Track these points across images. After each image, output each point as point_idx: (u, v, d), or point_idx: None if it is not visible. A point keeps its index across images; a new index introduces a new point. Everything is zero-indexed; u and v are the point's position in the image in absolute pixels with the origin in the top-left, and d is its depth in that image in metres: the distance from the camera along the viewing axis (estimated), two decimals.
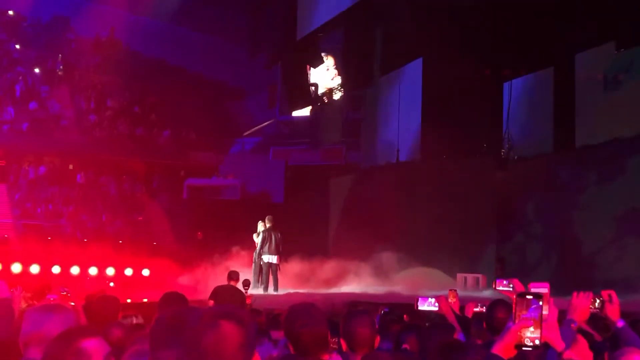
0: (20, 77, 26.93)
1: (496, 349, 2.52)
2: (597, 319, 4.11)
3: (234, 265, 16.28)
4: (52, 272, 17.05)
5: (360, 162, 23.84)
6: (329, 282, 17.93)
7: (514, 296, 2.53)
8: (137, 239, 20.77)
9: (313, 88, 27.44)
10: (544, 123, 19.21)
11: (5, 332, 4.58)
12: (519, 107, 19.95)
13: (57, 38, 29.64)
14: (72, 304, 5.44)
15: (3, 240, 18.97)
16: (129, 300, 13.86)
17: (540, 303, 2.47)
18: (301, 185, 24.02)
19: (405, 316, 7.41)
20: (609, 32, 17.12)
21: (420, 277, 17.82)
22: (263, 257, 16.75)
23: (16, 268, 16.66)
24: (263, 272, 16.84)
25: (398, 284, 17.12)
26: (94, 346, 2.65)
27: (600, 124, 17.46)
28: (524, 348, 2.49)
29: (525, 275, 15.05)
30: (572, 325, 3.33)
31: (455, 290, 7.01)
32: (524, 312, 2.47)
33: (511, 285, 3.01)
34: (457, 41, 19.25)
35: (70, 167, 26.05)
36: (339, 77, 27.06)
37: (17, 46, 28.88)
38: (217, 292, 10.41)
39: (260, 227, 17.08)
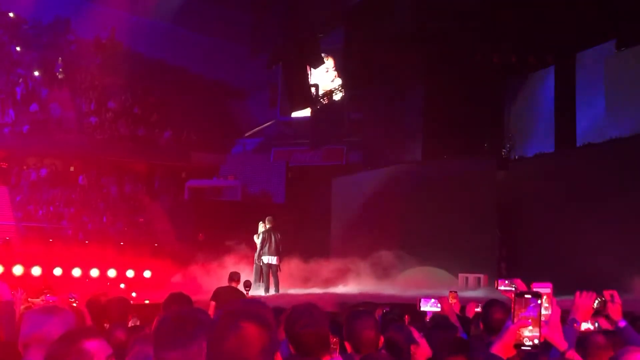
0: (21, 79, 26.96)
1: (495, 349, 2.51)
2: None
3: (235, 266, 16.28)
4: (53, 274, 17.05)
5: (361, 162, 23.83)
6: (331, 282, 17.93)
7: (513, 295, 2.53)
8: (138, 240, 20.77)
9: (314, 89, 27.42)
10: (544, 122, 19.21)
11: (7, 335, 4.57)
12: (520, 107, 19.95)
13: (58, 40, 29.68)
14: (75, 303, 5.44)
15: (5, 242, 18.98)
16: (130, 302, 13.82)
17: (539, 302, 2.46)
18: (302, 186, 24.03)
19: (406, 316, 7.41)
20: (609, 31, 17.10)
21: (421, 276, 17.82)
22: (263, 257, 16.71)
23: (18, 270, 16.66)
24: (263, 273, 16.81)
25: (399, 284, 17.11)
26: (96, 347, 2.65)
27: (601, 123, 17.45)
28: (523, 347, 2.48)
29: (527, 275, 15.00)
30: (575, 325, 3.33)
31: (456, 292, 7.01)
32: (523, 311, 2.47)
33: (513, 285, 3.00)
34: (458, 41, 19.25)
35: (72, 168, 26.07)
36: (339, 78, 27.05)
37: (18, 48, 28.90)
38: (218, 293, 10.40)
39: (261, 228, 17.06)
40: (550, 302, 2.60)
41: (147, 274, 18.39)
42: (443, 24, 19.37)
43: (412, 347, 4.22)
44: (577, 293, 3.42)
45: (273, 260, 16.63)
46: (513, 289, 3.08)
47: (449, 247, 18.19)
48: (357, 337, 3.82)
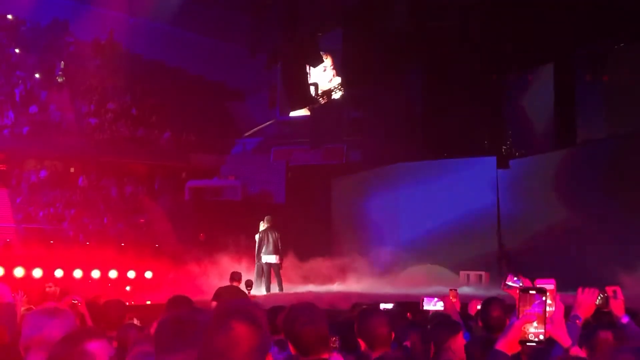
0: (20, 81, 26.96)
1: (500, 345, 2.51)
2: (602, 315, 4.10)
3: (236, 266, 16.27)
4: (54, 276, 17.03)
5: (361, 161, 23.82)
6: (332, 281, 17.94)
7: (518, 291, 2.52)
8: (139, 241, 20.76)
9: (313, 88, 27.41)
10: (544, 120, 19.21)
11: (8, 336, 4.57)
12: (519, 104, 19.95)
13: (57, 42, 29.68)
14: (77, 302, 5.43)
15: (5, 244, 18.97)
16: (132, 303, 13.86)
17: (544, 298, 2.46)
18: (302, 185, 24.01)
19: (408, 314, 7.42)
20: (609, 29, 17.10)
21: (423, 274, 17.82)
22: (262, 257, 16.73)
23: (19, 272, 16.65)
24: (264, 272, 16.82)
25: (401, 282, 17.12)
26: (98, 348, 2.65)
27: (601, 120, 17.45)
28: (528, 343, 2.48)
29: (528, 272, 14.99)
30: (577, 321, 3.32)
31: (456, 290, 7.02)
32: (528, 307, 2.47)
33: (521, 282, 3.00)
34: (457, 39, 19.25)
35: (72, 170, 26.07)
36: (338, 77, 27.04)
37: (17, 50, 28.90)
38: (220, 293, 10.40)
39: (262, 227, 17.09)
40: (554, 299, 2.60)
41: (148, 274, 18.38)
42: (442, 23, 19.37)
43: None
44: (580, 289, 3.42)
45: (272, 259, 16.62)
46: (520, 285, 3.07)
47: (450, 245, 18.21)
48: (371, 334, 3.84)
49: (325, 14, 22.72)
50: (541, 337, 2.46)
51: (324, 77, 27.77)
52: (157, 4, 30.45)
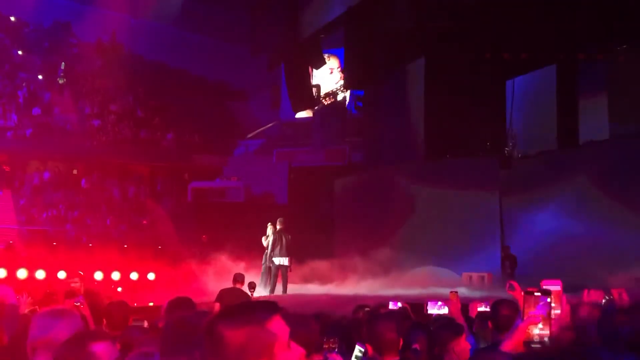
0: (23, 83, 26.99)
1: (506, 346, 2.51)
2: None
3: (239, 267, 16.28)
4: (57, 278, 17.04)
5: (363, 162, 23.83)
6: (335, 283, 17.93)
7: (522, 294, 2.52)
8: (142, 242, 20.77)
9: (315, 89, 27.44)
10: (547, 120, 19.19)
11: (11, 338, 4.57)
12: (522, 105, 19.93)
13: (59, 43, 29.70)
14: (79, 304, 5.44)
15: (8, 246, 18.98)
16: (135, 304, 13.85)
17: (548, 300, 2.46)
18: (305, 187, 24.02)
19: (412, 315, 7.40)
20: (612, 29, 17.09)
21: (425, 276, 17.80)
22: (274, 259, 16.79)
23: (22, 274, 16.66)
24: (272, 274, 16.87)
25: (404, 284, 17.09)
26: (103, 350, 2.65)
27: (604, 121, 17.43)
28: (532, 345, 2.48)
29: (531, 272, 15.02)
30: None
31: (456, 292, 7.03)
32: (532, 309, 2.47)
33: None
34: (460, 39, 19.24)
35: (75, 172, 26.08)
36: (342, 77, 27.05)
37: (20, 52, 28.93)
38: (223, 295, 10.40)
39: (270, 230, 17.12)
40: (560, 300, 2.60)
41: (151, 276, 18.38)
42: (445, 23, 19.36)
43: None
44: (585, 291, 3.42)
45: (285, 261, 16.75)
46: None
47: (453, 246, 18.19)
48: (380, 339, 3.84)
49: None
50: (546, 338, 2.46)
51: (330, 79, 27.77)
52: (160, 5, 30.48)
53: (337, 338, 4.03)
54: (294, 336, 3.23)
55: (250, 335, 1.94)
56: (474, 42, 19.13)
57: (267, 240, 17.12)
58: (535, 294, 2.49)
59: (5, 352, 4.05)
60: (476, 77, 19.67)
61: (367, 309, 6.97)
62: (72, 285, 6.67)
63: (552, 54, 18.96)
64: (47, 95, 26.98)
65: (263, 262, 17.27)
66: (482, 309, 6.91)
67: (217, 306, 9.98)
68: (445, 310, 6.56)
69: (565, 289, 2.72)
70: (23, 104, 26.16)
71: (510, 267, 17.67)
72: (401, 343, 3.96)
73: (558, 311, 2.60)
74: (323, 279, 18.34)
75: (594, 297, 3.42)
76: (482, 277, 17.32)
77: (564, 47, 18.45)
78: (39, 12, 30.28)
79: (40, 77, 27.84)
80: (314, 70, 27.10)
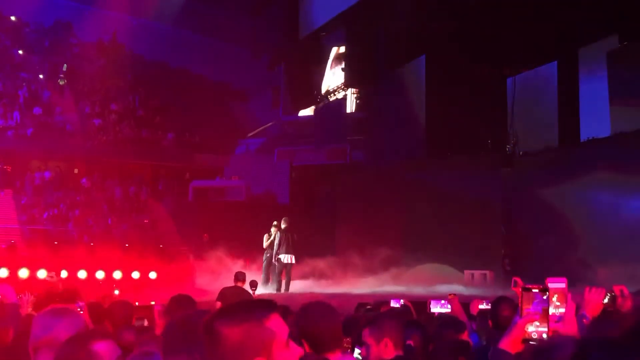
0: (24, 83, 27.00)
1: (503, 344, 2.51)
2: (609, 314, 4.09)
3: (240, 266, 16.30)
4: (60, 277, 17.05)
5: (365, 160, 23.82)
6: (337, 282, 17.94)
7: (520, 291, 2.52)
8: (143, 241, 20.78)
9: (316, 88, 27.44)
10: (548, 118, 19.17)
11: (13, 337, 4.58)
12: (523, 103, 19.91)
13: (60, 43, 29.71)
14: (79, 309, 5.44)
15: (10, 245, 19.00)
16: (136, 303, 13.84)
17: (545, 297, 2.47)
18: (306, 186, 24.02)
19: (413, 313, 7.39)
20: (612, 25, 17.07)
21: (428, 274, 17.81)
22: (280, 257, 16.84)
23: (23, 273, 16.68)
24: (276, 271, 16.92)
25: (406, 282, 17.11)
26: (105, 349, 2.65)
27: (605, 118, 17.40)
28: (531, 342, 2.48)
29: (533, 270, 15.02)
30: (584, 320, 3.32)
31: (455, 295, 7.04)
32: (529, 306, 2.47)
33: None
34: (460, 37, 19.22)
35: (76, 171, 26.10)
36: (343, 76, 27.05)
37: (20, 52, 28.94)
38: (224, 294, 10.39)
39: (274, 229, 17.16)
40: (565, 297, 2.59)
41: (152, 275, 18.40)
42: (445, 21, 19.36)
43: None
44: (587, 288, 3.41)
45: (291, 259, 16.81)
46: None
47: (455, 244, 18.19)
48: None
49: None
50: (544, 335, 2.46)
51: (334, 79, 27.74)
52: (160, 5, 30.50)
53: (350, 338, 4.03)
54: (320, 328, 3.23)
55: (248, 333, 1.94)
56: (474, 40, 19.11)
57: (269, 240, 17.15)
58: (533, 290, 2.49)
59: (8, 352, 4.05)
60: (477, 75, 19.66)
61: (368, 307, 6.97)
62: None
63: (552, 51, 18.94)
64: (48, 95, 26.99)
65: (264, 259, 17.30)
66: (483, 306, 6.92)
67: (218, 305, 9.98)
68: (448, 309, 6.55)
69: (568, 286, 2.71)
70: (24, 103, 26.17)
71: (512, 265, 17.68)
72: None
73: (563, 309, 2.59)
74: (325, 278, 18.36)
75: (596, 294, 3.41)
76: (484, 275, 17.33)
77: (564, 44, 18.43)
78: (40, 12, 30.29)
79: (41, 76, 27.84)
80: (318, 69, 27.11)
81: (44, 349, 2.97)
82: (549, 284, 2.54)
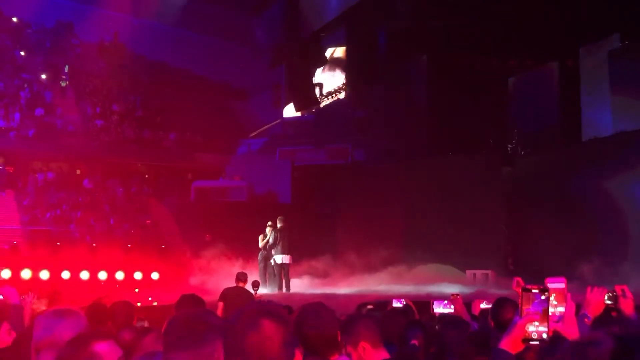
0: (26, 84, 27.02)
1: (503, 344, 2.52)
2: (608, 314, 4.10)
3: (242, 266, 16.30)
4: (61, 278, 17.08)
5: (366, 160, 23.83)
6: (338, 282, 17.94)
7: (520, 290, 2.53)
8: (145, 242, 20.79)
9: (318, 88, 27.44)
10: (550, 117, 19.17)
11: (16, 338, 4.59)
12: (524, 102, 19.92)
13: (62, 44, 29.73)
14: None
15: (12, 246, 19.01)
16: (138, 304, 13.85)
17: (544, 297, 2.47)
18: (308, 185, 24.02)
19: (416, 314, 7.40)
20: (613, 24, 17.06)
21: (430, 273, 17.81)
22: (275, 257, 16.82)
23: (26, 274, 16.70)
24: (275, 272, 16.90)
25: (408, 281, 17.11)
26: (106, 349, 2.66)
27: (607, 117, 17.40)
28: (531, 342, 2.49)
29: (534, 270, 15.02)
30: (586, 319, 3.32)
31: (457, 295, 7.04)
32: (529, 306, 2.48)
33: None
34: (462, 38, 19.23)
35: (78, 172, 26.11)
36: (344, 76, 27.03)
37: (22, 53, 28.96)
38: (226, 294, 10.40)
39: (269, 228, 17.13)
40: (565, 297, 2.60)
41: (154, 275, 18.41)
42: (446, 22, 19.37)
43: None
44: (588, 288, 3.41)
45: (286, 259, 16.77)
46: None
47: (456, 243, 18.19)
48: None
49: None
50: (544, 335, 2.47)
51: (333, 79, 27.72)
52: (161, 5, 30.50)
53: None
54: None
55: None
56: (476, 39, 19.12)
57: (265, 240, 17.14)
58: (533, 290, 2.50)
59: (10, 352, 4.07)
60: (478, 74, 19.67)
61: (370, 306, 6.97)
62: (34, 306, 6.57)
63: (554, 51, 18.94)
64: (50, 96, 27.01)
65: (259, 260, 17.29)
66: (484, 305, 6.92)
67: (220, 305, 10.00)
68: (451, 309, 6.56)
69: (569, 286, 2.72)
70: (25, 104, 26.19)
71: (513, 265, 17.68)
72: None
73: (562, 309, 2.60)
74: (327, 277, 18.36)
75: (597, 294, 3.41)
76: (486, 275, 17.34)
77: (566, 44, 18.43)
78: (41, 13, 30.30)
79: (43, 76, 27.85)
80: (317, 68, 27.10)
81: (46, 349, 2.97)
82: (548, 284, 2.55)
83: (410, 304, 7.53)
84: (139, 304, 13.85)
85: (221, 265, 17.63)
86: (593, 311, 3.37)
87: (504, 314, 4.70)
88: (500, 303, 4.88)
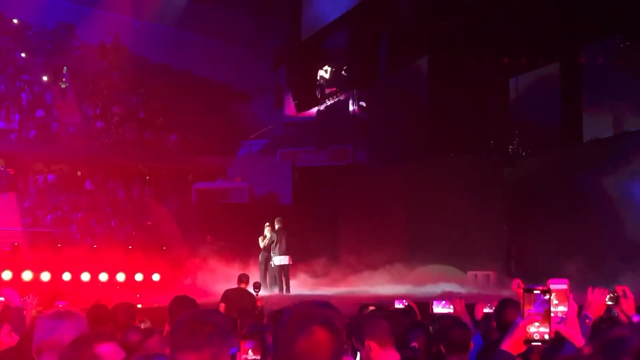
0: (26, 86, 27.03)
1: (505, 345, 2.52)
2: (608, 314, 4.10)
3: (243, 267, 16.30)
4: (62, 279, 17.07)
5: (367, 161, 23.82)
6: (340, 283, 17.94)
7: (520, 292, 2.53)
8: (146, 243, 20.79)
9: (318, 89, 27.43)
10: (551, 118, 19.17)
11: (17, 340, 4.59)
12: (525, 103, 19.92)
13: (63, 45, 29.73)
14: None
15: (13, 248, 19.01)
16: (139, 306, 13.84)
17: (546, 297, 2.47)
18: (309, 187, 24.01)
19: (418, 315, 7.38)
20: (614, 25, 17.06)
21: (431, 274, 17.81)
22: (274, 258, 16.81)
23: (27, 276, 16.69)
24: (275, 274, 16.89)
25: (409, 282, 17.11)
26: (108, 351, 2.65)
27: (608, 118, 17.40)
28: (533, 343, 2.49)
29: (536, 271, 15.02)
30: (587, 320, 3.31)
31: (459, 297, 7.02)
32: (531, 307, 2.48)
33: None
34: (463, 38, 19.24)
35: (79, 173, 26.12)
36: (345, 77, 27.02)
37: (23, 54, 28.97)
38: (228, 295, 10.41)
39: (267, 229, 17.13)
40: (567, 298, 2.60)
41: (155, 277, 18.40)
42: (447, 22, 19.37)
43: None
44: (590, 289, 3.41)
45: (285, 260, 16.75)
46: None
47: (458, 244, 18.19)
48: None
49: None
50: (546, 336, 2.47)
51: (332, 79, 27.72)
52: (162, 6, 30.52)
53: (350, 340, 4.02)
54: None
55: None
56: (477, 40, 19.12)
57: (265, 241, 17.14)
58: (535, 291, 2.50)
59: (12, 354, 4.06)
60: (479, 75, 19.66)
61: (371, 307, 6.96)
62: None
63: (555, 51, 18.94)
64: (51, 98, 27.02)
65: (260, 262, 17.29)
66: (487, 310, 6.90)
67: (222, 306, 10.00)
68: (450, 309, 6.55)
69: (571, 287, 2.72)
70: (26, 106, 26.20)
71: (515, 266, 17.67)
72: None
73: (564, 309, 2.59)
74: (328, 279, 18.36)
75: (598, 294, 3.41)
76: (487, 276, 17.33)
77: (567, 44, 18.43)
78: (42, 15, 30.30)
79: (45, 78, 27.86)
80: (318, 69, 27.09)
81: (48, 351, 2.97)
82: (550, 285, 2.55)
83: (413, 304, 7.52)
84: (139, 306, 13.87)
85: (222, 266, 17.63)
86: (594, 312, 3.36)
87: (507, 315, 4.70)
88: (503, 304, 4.88)
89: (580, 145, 18.21)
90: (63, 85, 27.39)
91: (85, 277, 17.50)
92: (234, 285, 11.04)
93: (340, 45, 25.91)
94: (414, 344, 4.76)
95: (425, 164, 20.37)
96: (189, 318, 2.48)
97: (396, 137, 21.94)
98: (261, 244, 17.25)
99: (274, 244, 16.87)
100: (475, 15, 19.04)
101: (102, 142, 26.26)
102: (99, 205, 23.85)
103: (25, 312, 5.94)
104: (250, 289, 11.00)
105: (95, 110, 27.53)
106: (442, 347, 4.54)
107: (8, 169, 24.39)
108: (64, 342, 2.80)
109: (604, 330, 3.93)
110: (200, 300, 5.64)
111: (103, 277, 17.67)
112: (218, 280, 16.55)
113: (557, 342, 2.64)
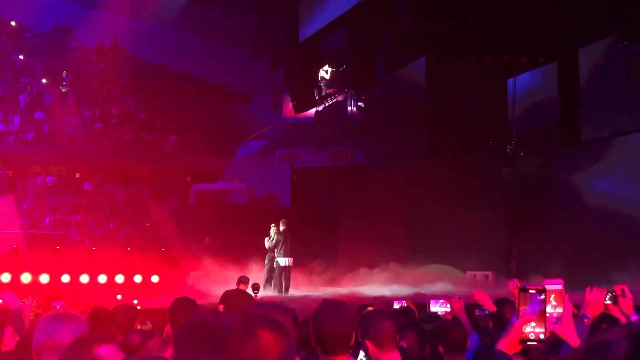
0: (25, 88, 27.03)
1: (501, 345, 2.53)
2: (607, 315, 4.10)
3: (242, 269, 16.31)
4: (61, 281, 17.06)
5: (366, 162, 23.82)
6: (338, 284, 17.94)
7: (517, 291, 2.54)
8: (145, 245, 20.78)
9: (317, 90, 27.43)
10: (549, 118, 19.18)
11: (16, 343, 4.59)
12: (524, 103, 19.92)
13: (61, 47, 29.74)
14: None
15: (12, 250, 19.00)
16: (138, 307, 13.83)
17: (542, 297, 2.48)
18: (308, 188, 24.02)
19: (416, 314, 7.39)
20: (612, 25, 17.07)
21: (430, 274, 17.82)
22: (279, 259, 16.86)
23: (26, 278, 16.68)
24: (276, 274, 16.93)
25: (408, 282, 17.11)
26: (108, 353, 2.65)
27: (606, 118, 17.40)
28: (528, 343, 2.50)
29: (535, 271, 15.02)
30: (585, 320, 3.32)
31: (458, 298, 7.02)
32: (526, 307, 2.49)
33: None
34: (461, 38, 19.25)
35: (77, 175, 26.11)
36: (343, 78, 27.02)
37: (21, 56, 28.97)
38: (227, 297, 10.42)
39: (273, 230, 17.17)
40: (562, 298, 2.61)
41: (154, 278, 18.39)
42: (446, 22, 19.39)
43: None
44: (588, 288, 3.42)
45: (289, 262, 16.83)
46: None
47: (457, 244, 18.20)
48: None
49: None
50: (541, 336, 2.48)
51: (331, 80, 27.70)
52: (161, 8, 30.51)
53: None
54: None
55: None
56: (475, 40, 19.14)
57: (270, 242, 17.17)
58: (530, 291, 2.51)
59: (14, 356, 4.07)
60: (477, 75, 19.67)
61: (370, 308, 6.96)
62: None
63: (553, 51, 18.95)
64: (49, 100, 27.02)
65: (266, 262, 17.32)
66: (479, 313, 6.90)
67: (221, 308, 10.00)
68: (447, 308, 6.54)
69: (570, 287, 2.73)
70: (25, 108, 26.20)
71: (514, 266, 17.67)
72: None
73: (560, 310, 2.61)
74: (327, 280, 18.36)
75: (597, 294, 3.42)
76: (486, 276, 17.34)
77: (565, 44, 18.44)
78: (40, 17, 30.32)
79: (44, 80, 27.86)
80: (316, 70, 27.08)
81: (47, 353, 2.97)
82: (545, 285, 2.56)
83: (411, 305, 7.52)
84: (139, 307, 13.86)
85: (221, 268, 17.63)
86: (592, 311, 3.37)
87: (502, 310, 4.71)
88: (499, 303, 4.89)
89: (579, 145, 18.23)
90: (64, 90, 27.38)
91: (84, 278, 17.49)
92: (232, 286, 11.06)
93: (338, 46, 25.92)
94: (403, 344, 4.76)
95: (423, 164, 20.38)
96: (195, 321, 2.45)
97: (395, 137, 21.95)
98: (267, 245, 17.30)
99: (279, 245, 16.93)
100: (473, 16, 19.05)
101: (101, 144, 26.26)
102: (98, 207, 23.84)
103: (23, 314, 5.95)
104: (250, 290, 11.02)
105: (94, 112, 27.53)
106: (439, 347, 4.55)
107: (7, 171, 24.39)
108: (63, 344, 2.80)
109: (602, 331, 3.94)
110: (199, 302, 5.63)
111: (102, 278, 17.66)
112: (216, 281, 16.56)
113: (556, 342, 2.66)
